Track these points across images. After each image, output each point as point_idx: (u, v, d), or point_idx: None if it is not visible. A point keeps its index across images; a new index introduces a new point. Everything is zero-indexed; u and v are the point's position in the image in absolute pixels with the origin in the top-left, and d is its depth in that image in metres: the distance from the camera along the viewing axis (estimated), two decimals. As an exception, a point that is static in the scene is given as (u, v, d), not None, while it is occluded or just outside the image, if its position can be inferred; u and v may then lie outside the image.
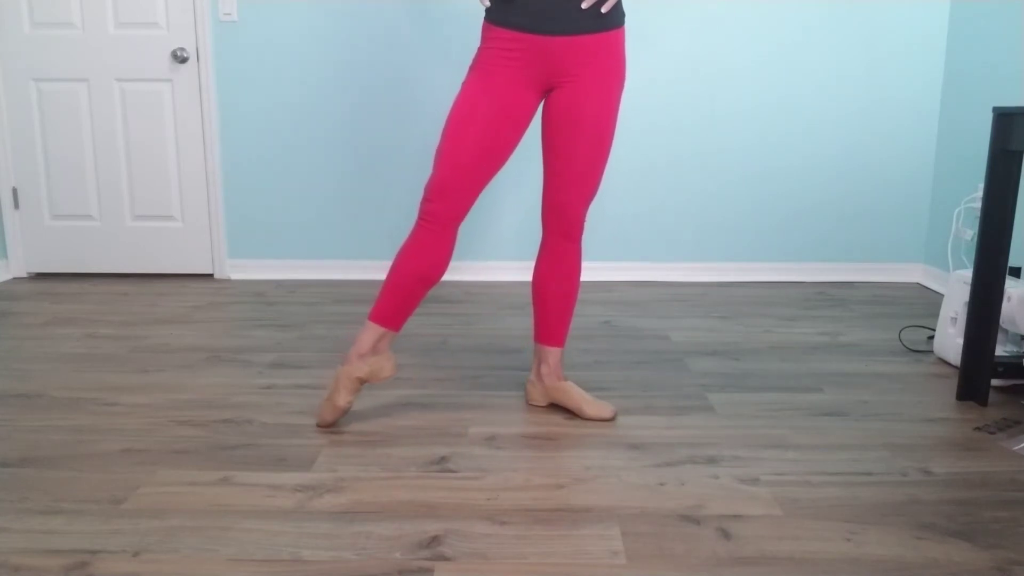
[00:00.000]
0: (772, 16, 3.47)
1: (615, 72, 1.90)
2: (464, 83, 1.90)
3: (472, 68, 1.90)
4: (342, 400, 1.96)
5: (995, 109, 2.03)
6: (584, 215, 1.99)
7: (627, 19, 3.47)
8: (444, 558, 1.42)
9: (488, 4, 1.85)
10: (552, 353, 2.10)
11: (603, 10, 1.82)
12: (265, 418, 2.06)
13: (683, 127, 3.57)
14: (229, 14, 3.49)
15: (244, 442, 1.91)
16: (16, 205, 3.69)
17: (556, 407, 2.13)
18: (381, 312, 1.95)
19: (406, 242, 1.94)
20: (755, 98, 3.55)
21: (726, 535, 1.50)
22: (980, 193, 3.21)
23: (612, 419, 2.04)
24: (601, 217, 3.66)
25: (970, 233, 3.25)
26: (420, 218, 1.92)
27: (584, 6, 1.81)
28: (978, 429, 2.00)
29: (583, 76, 1.87)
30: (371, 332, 1.96)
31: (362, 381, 1.97)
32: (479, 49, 1.91)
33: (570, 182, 1.95)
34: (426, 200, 1.90)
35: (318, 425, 2.00)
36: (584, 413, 2.04)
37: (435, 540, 1.48)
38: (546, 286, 2.06)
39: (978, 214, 3.21)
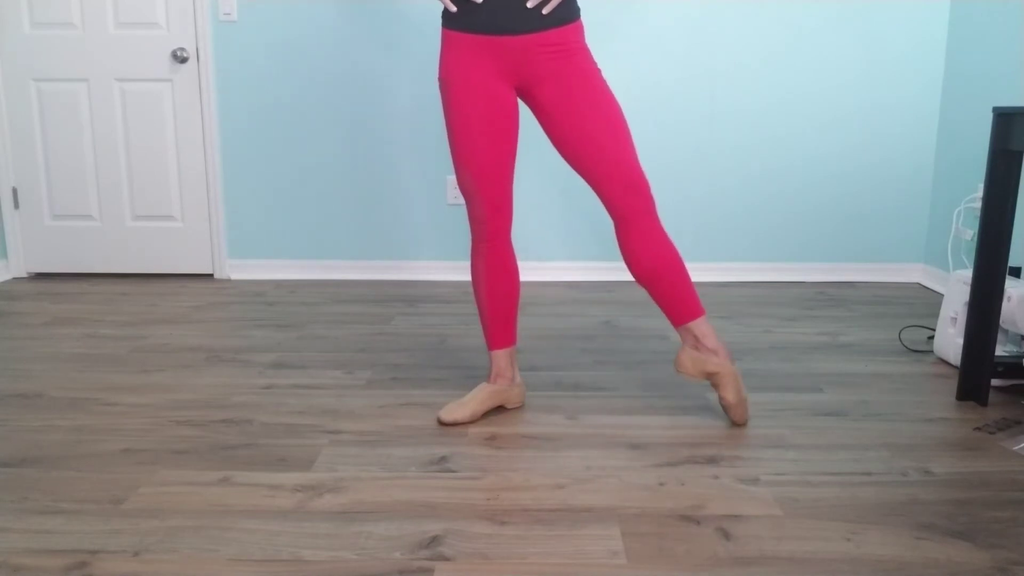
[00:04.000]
0: (772, 16, 3.47)
1: (583, 56, 1.88)
2: (446, 104, 1.91)
3: (446, 84, 1.90)
4: (468, 412, 2.03)
5: (995, 109, 2.03)
6: (645, 178, 1.89)
7: (628, 19, 3.47)
8: (444, 558, 1.42)
9: (454, 9, 1.85)
10: (703, 324, 1.97)
11: (544, 11, 1.82)
12: (265, 418, 2.06)
13: (683, 127, 3.58)
14: (229, 14, 3.49)
15: (244, 442, 1.91)
16: (16, 205, 3.69)
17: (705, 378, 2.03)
18: (495, 339, 2.09)
19: (481, 269, 2.02)
20: (755, 98, 3.55)
21: (726, 535, 1.50)
22: (980, 193, 3.21)
23: (743, 425, 2.01)
24: (601, 217, 3.66)
25: (970, 233, 3.25)
26: (484, 241, 1.99)
27: (529, 5, 1.81)
28: (978, 429, 2.00)
29: (554, 70, 1.86)
30: (500, 358, 2.09)
31: (498, 403, 2.09)
32: (443, 61, 1.91)
33: (612, 153, 1.87)
34: (482, 223, 1.97)
35: (440, 420, 2.02)
36: (729, 410, 1.99)
37: (435, 540, 1.48)
38: (658, 266, 1.92)
39: (978, 214, 3.20)
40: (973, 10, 3.28)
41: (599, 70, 1.91)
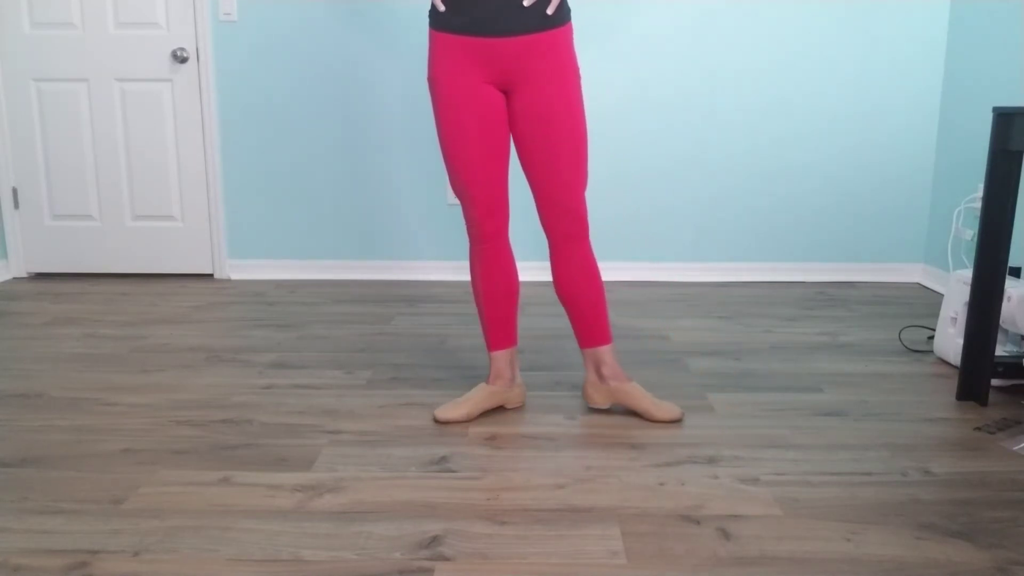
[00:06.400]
0: (772, 17, 3.47)
1: (568, 65, 1.89)
2: (436, 106, 1.92)
3: (435, 87, 1.90)
4: (463, 412, 2.03)
5: (995, 109, 2.03)
6: (584, 208, 1.96)
7: (628, 19, 3.47)
8: (444, 558, 1.42)
9: (443, 8, 1.85)
10: (605, 352, 2.05)
11: (548, 11, 1.82)
12: (265, 418, 2.06)
13: (683, 127, 3.58)
14: (229, 14, 3.49)
15: (244, 442, 1.91)
16: (16, 205, 3.69)
17: (619, 407, 2.10)
18: (495, 340, 2.09)
19: (479, 270, 2.03)
20: (755, 98, 3.55)
21: (726, 535, 1.50)
22: (980, 193, 3.21)
23: (680, 420, 2.03)
24: (601, 217, 3.66)
25: (970, 233, 3.25)
26: (480, 242, 2.00)
27: (526, 3, 1.81)
28: (978, 429, 2.00)
29: (538, 75, 1.86)
30: (500, 359, 2.09)
31: (496, 404, 2.08)
32: (431, 62, 1.90)
33: (561, 180, 1.92)
34: (477, 225, 1.98)
35: (435, 418, 2.03)
36: (652, 417, 2.02)
37: (435, 540, 1.48)
38: (574, 293, 2.01)
39: (978, 214, 3.21)
40: (973, 10, 3.28)
41: (579, 82, 1.92)
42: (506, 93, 1.92)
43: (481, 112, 1.89)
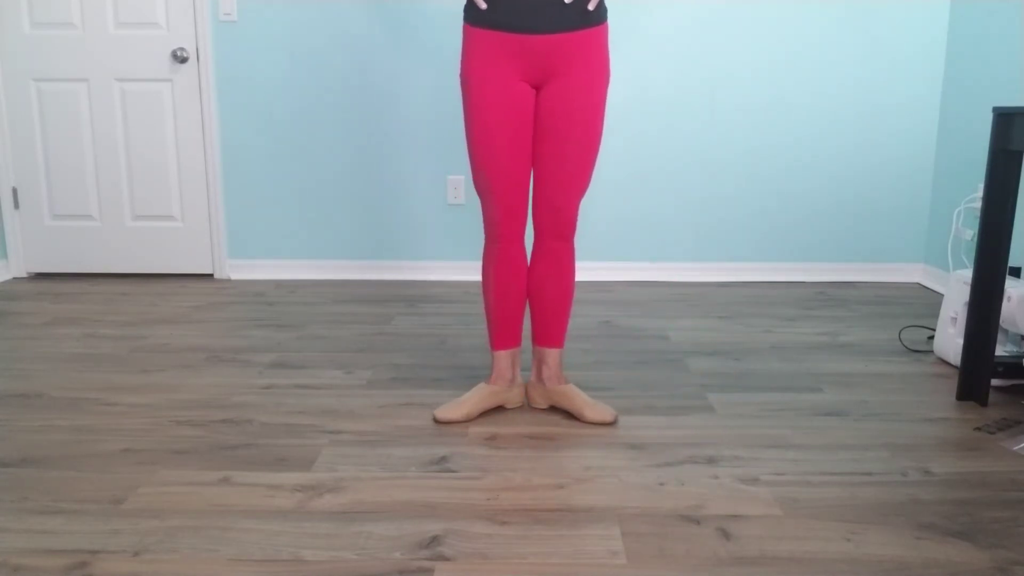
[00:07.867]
0: (772, 17, 3.47)
1: (600, 67, 1.89)
2: (467, 103, 1.91)
3: (467, 83, 1.90)
4: (463, 412, 2.03)
5: (995, 109, 2.03)
6: (577, 213, 1.98)
7: (628, 19, 3.47)
8: (444, 558, 1.42)
9: (484, 6, 1.84)
10: (552, 355, 2.08)
11: (589, 7, 1.82)
12: (265, 418, 2.06)
13: (683, 127, 3.58)
14: (229, 14, 3.49)
15: (244, 442, 1.91)
16: (16, 205, 3.69)
17: (556, 408, 2.12)
18: (500, 340, 2.08)
19: (493, 268, 2.02)
20: (756, 98, 3.55)
21: (726, 535, 1.50)
22: (980, 193, 3.21)
23: (613, 423, 2.04)
24: (601, 217, 3.66)
25: (970, 233, 3.25)
26: (497, 242, 2.00)
27: (568, 0, 1.81)
28: (978, 429, 2.00)
29: (569, 73, 1.86)
30: (503, 359, 2.09)
31: (496, 404, 2.08)
32: (465, 57, 1.90)
33: (563, 181, 1.93)
34: (495, 225, 1.97)
35: (435, 418, 2.03)
36: (585, 417, 2.03)
37: (435, 540, 1.48)
38: (544, 288, 2.04)
39: (978, 214, 3.21)
40: (973, 11, 3.28)
41: (606, 86, 1.91)
42: (537, 89, 1.91)
43: (512, 114, 1.88)
